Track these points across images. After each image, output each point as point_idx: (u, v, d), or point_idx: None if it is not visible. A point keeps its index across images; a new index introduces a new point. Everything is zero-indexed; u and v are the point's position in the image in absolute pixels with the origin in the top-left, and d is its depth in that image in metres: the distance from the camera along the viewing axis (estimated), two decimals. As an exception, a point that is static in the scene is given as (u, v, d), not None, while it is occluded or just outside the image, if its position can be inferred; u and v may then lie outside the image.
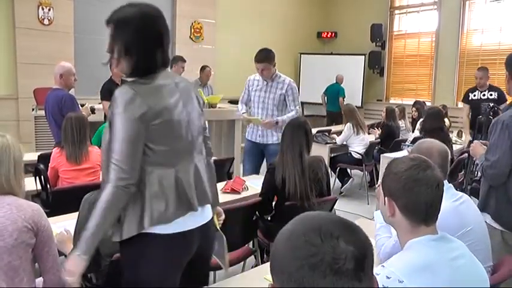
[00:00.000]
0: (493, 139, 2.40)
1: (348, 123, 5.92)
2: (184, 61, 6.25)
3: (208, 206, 1.84)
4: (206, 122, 1.99)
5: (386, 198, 1.45)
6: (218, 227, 2.00)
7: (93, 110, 4.40)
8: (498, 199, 2.39)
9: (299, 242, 0.78)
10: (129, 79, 1.69)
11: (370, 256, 0.80)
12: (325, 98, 9.79)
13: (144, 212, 1.62)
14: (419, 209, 1.39)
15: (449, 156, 2.13)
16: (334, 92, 9.59)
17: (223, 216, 2.09)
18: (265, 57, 4.13)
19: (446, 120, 8.20)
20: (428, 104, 8.82)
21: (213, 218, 1.89)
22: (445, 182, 2.00)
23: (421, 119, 6.37)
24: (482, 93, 5.62)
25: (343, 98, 9.44)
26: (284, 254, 0.80)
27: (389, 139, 6.18)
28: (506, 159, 2.34)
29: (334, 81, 9.70)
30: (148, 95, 1.62)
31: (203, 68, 7.09)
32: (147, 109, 1.59)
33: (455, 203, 1.97)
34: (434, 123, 4.72)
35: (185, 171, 1.72)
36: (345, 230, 0.79)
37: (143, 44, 1.66)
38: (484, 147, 2.64)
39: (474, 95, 5.72)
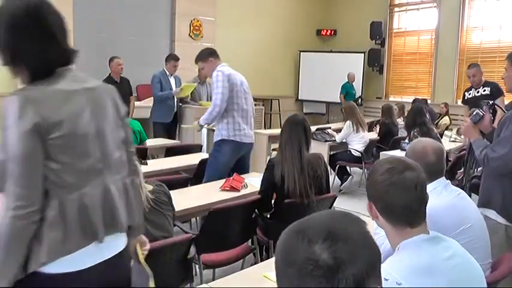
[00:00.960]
0: (506, 133, 2.34)
1: (348, 121, 5.92)
2: (177, 59, 6.20)
3: (120, 235, 1.56)
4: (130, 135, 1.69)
5: (368, 201, 1.45)
6: (142, 259, 1.72)
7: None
8: (505, 193, 2.36)
9: (282, 242, 0.84)
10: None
11: (351, 266, 0.77)
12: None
13: (42, 242, 1.35)
14: (396, 213, 1.38)
15: (445, 154, 2.13)
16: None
17: (147, 247, 1.78)
18: (196, 58, 4.11)
19: (446, 118, 8.24)
20: (429, 101, 8.84)
21: (126, 248, 1.60)
22: (443, 178, 2.01)
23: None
24: (477, 90, 5.36)
25: (343, 95, 9.57)
26: (276, 253, 0.86)
27: (387, 137, 6.18)
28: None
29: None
30: (42, 103, 1.36)
31: (202, 66, 7.08)
32: (40, 120, 1.33)
33: (455, 199, 1.96)
34: (416, 118, 4.86)
35: (92, 195, 1.44)
36: (328, 236, 0.79)
37: (25, 39, 1.39)
38: (476, 129, 2.58)
39: (469, 94, 5.49)
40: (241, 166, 4.03)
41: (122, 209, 1.53)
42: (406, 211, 1.37)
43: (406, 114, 5.58)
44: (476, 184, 2.94)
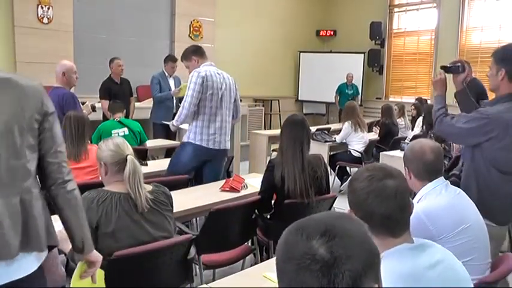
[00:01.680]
0: (476, 115, 2.37)
1: (347, 121, 5.92)
2: (175, 61, 6.21)
3: (11, 262, 1.31)
4: (57, 140, 1.50)
5: (349, 209, 1.41)
6: (75, 280, 1.55)
7: (93, 108, 4.43)
8: (480, 190, 2.35)
9: (283, 239, 0.86)
10: None
11: (346, 262, 0.78)
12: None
13: None
14: (376, 222, 1.32)
15: (443, 153, 2.13)
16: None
17: (93, 269, 1.58)
18: (181, 56, 3.94)
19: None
20: (429, 102, 8.84)
21: (33, 275, 1.38)
22: (442, 178, 2.02)
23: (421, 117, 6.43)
24: None
25: (337, 94, 9.75)
26: (277, 251, 0.87)
27: (387, 137, 6.19)
28: (466, 136, 2.39)
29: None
30: None
31: (202, 66, 7.07)
32: None
33: (454, 198, 1.97)
34: (430, 118, 4.89)
35: None
36: (326, 233, 0.81)
37: None
38: (445, 86, 2.58)
39: None
40: (210, 173, 3.81)
41: (12, 231, 1.28)
42: (386, 220, 1.32)
43: (423, 112, 5.61)
44: (454, 182, 2.94)
